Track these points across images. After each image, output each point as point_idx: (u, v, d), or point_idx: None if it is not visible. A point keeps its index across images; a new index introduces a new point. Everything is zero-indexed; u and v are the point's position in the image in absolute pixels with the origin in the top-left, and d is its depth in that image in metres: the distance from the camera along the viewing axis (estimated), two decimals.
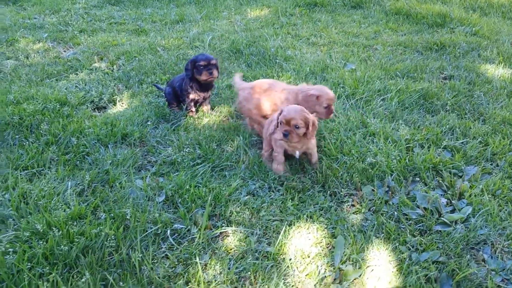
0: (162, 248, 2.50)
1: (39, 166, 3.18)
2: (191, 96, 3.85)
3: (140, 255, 2.38)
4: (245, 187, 2.96)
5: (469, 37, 5.76)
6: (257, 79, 3.98)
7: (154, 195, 2.88)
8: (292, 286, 2.27)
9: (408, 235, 2.54)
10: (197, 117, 3.90)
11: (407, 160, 3.14)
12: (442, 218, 2.64)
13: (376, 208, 2.76)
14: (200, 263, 2.36)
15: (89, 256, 2.35)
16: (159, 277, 2.28)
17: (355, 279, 2.29)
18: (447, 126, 3.60)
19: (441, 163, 3.12)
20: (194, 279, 2.28)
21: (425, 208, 2.72)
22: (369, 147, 3.30)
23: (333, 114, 3.33)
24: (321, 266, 2.36)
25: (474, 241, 2.50)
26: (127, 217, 2.62)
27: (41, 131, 3.57)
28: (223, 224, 2.66)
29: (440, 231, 2.56)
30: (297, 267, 2.36)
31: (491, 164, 3.19)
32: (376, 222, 2.63)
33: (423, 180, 3.01)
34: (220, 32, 6.15)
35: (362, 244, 2.48)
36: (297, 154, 3.07)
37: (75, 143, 3.42)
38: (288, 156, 3.15)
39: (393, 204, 2.79)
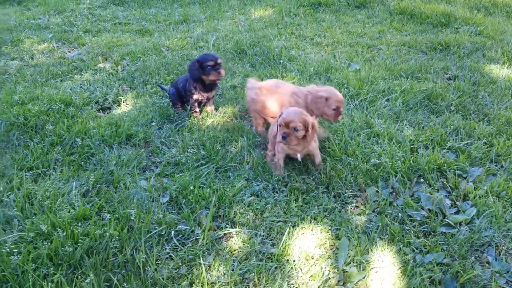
0: (166, 249, 2.51)
1: (44, 166, 3.20)
2: (195, 96, 3.86)
3: (144, 256, 2.39)
4: (249, 188, 2.96)
5: (474, 37, 5.73)
6: (262, 80, 3.97)
7: (158, 196, 2.89)
8: (296, 287, 2.27)
9: (413, 236, 2.54)
10: (201, 118, 3.91)
11: (411, 161, 3.13)
12: (447, 220, 2.63)
13: (380, 209, 2.76)
14: (204, 264, 2.37)
15: (93, 257, 2.36)
16: (163, 278, 2.29)
17: (359, 281, 2.29)
18: (452, 127, 3.58)
19: (445, 164, 3.11)
20: (198, 280, 2.29)
21: (429, 210, 2.71)
22: (373, 148, 3.29)
23: (341, 116, 3.32)
24: (325, 267, 2.36)
25: (478, 243, 2.49)
26: (132, 218, 2.63)
27: (46, 132, 3.59)
28: (227, 225, 2.67)
29: (444, 232, 2.56)
30: (301, 269, 2.36)
31: (496, 165, 3.17)
32: (380, 224, 2.63)
33: (427, 181, 3.00)
34: (224, 32, 6.15)
35: (366, 246, 2.47)
36: (299, 156, 3.07)
37: (80, 143, 3.43)
38: (291, 158, 3.15)
39: (397, 205, 2.78)
